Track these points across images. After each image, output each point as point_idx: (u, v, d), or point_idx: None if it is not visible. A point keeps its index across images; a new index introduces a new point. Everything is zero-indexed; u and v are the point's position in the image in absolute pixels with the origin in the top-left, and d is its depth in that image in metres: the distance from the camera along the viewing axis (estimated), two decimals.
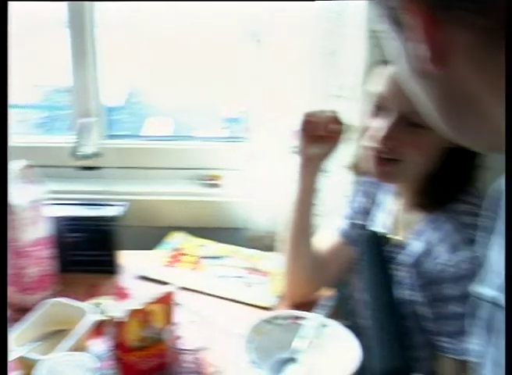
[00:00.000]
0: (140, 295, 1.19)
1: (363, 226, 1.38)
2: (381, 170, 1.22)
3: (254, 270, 1.55)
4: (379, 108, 1.20)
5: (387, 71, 1.18)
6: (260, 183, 1.64)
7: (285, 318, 1.29)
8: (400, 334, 1.08)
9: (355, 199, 1.44)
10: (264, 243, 1.67)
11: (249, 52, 1.54)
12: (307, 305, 1.36)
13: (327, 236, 1.46)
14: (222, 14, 1.75)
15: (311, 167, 1.35)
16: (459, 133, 0.62)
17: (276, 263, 1.49)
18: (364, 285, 0.97)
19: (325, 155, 1.34)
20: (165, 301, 1.16)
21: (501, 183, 0.41)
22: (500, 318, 0.39)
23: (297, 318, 1.29)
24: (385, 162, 1.20)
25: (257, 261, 1.59)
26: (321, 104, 1.52)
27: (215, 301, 1.44)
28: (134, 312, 1.11)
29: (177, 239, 1.68)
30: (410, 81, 0.61)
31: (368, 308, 0.96)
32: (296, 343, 1.23)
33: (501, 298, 0.39)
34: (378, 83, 1.20)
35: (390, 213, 1.34)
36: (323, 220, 1.62)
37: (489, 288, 0.41)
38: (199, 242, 1.67)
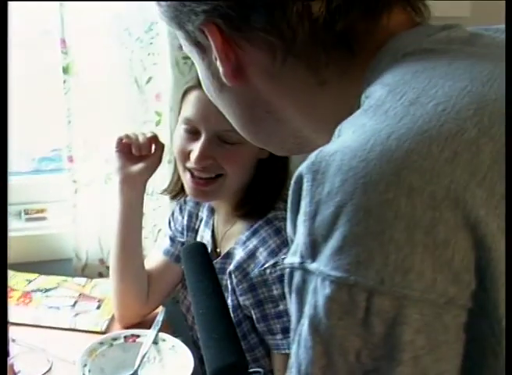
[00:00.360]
0: None
1: (186, 244, 1.43)
2: (198, 190, 1.28)
3: (86, 297, 1.56)
4: (191, 132, 1.27)
5: (195, 95, 1.26)
6: (86, 211, 1.65)
7: (118, 338, 1.32)
8: (229, 337, 1.14)
9: (178, 219, 1.49)
10: (94, 271, 1.68)
11: (64, 85, 1.55)
12: (142, 323, 1.41)
13: (153, 257, 1.50)
14: (32, 48, 1.75)
15: (131, 185, 1.36)
16: (260, 139, 0.70)
17: (107, 288, 1.51)
18: (191, 297, 1.02)
19: (143, 174, 1.36)
20: None
21: (299, 170, 0.48)
22: (305, 278, 0.46)
23: (133, 336, 1.33)
24: (202, 182, 1.27)
25: (88, 289, 1.60)
26: (141, 130, 1.57)
27: (49, 332, 1.43)
28: None
29: None
30: (215, 98, 0.68)
31: (196, 318, 1.02)
32: (135, 360, 1.26)
33: (300, 261, 0.47)
34: (189, 108, 1.27)
35: (212, 228, 1.41)
36: (151, 243, 1.67)
37: (293, 256, 0.48)
38: (27, 277, 1.64)
